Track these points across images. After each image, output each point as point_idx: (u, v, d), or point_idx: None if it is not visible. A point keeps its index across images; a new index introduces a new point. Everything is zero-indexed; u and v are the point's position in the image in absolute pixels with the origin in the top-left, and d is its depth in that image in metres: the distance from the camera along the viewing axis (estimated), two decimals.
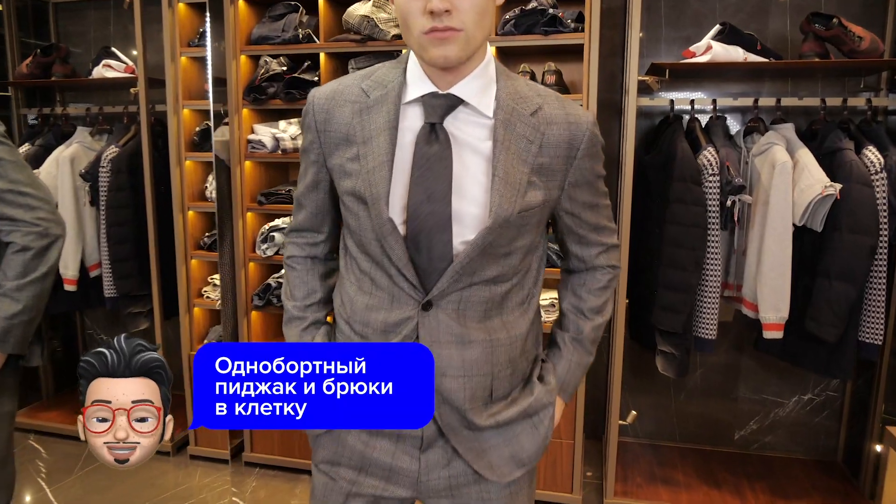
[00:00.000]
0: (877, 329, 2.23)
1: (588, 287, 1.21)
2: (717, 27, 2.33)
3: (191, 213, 2.74)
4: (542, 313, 2.31)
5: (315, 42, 2.53)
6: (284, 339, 1.20)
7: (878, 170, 2.17)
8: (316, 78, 2.56)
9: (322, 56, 2.53)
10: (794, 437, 2.85)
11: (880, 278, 2.21)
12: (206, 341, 2.82)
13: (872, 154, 2.19)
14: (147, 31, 2.70)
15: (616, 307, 2.36)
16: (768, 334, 2.29)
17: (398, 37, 2.46)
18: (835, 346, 2.26)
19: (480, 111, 1.04)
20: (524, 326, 1.13)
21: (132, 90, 2.66)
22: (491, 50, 1.12)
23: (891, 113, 2.51)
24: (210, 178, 2.77)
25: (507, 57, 2.58)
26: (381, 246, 1.04)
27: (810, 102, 2.39)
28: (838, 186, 2.14)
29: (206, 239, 2.76)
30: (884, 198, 2.17)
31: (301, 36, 2.52)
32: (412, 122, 1.04)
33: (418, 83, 1.04)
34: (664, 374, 2.42)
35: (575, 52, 2.45)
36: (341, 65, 2.64)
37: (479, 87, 1.04)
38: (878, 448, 2.36)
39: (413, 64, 1.06)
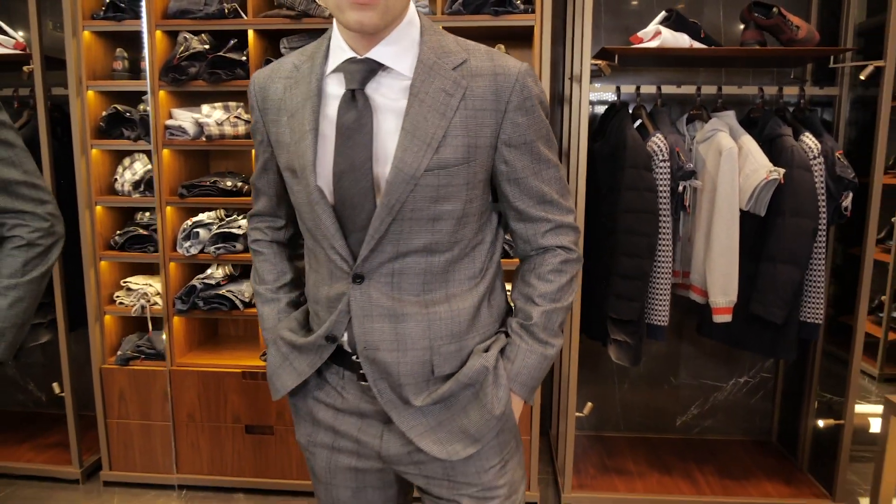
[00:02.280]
0: (817, 309, 2.31)
1: (537, 272, 1.10)
2: (663, 13, 2.32)
3: (99, 208, 2.42)
4: None
5: (242, 17, 2.30)
6: (260, 324, 1.19)
7: (816, 155, 2.23)
8: (244, 57, 2.33)
9: (251, 33, 2.30)
10: (732, 420, 2.92)
11: (819, 260, 2.28)
12: (119, 353, 2.51)
13: (810, 140, 2.25)
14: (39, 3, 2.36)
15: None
16: (718, 318, 2.31)
17: None
18: (779, 327, 2.31)
19: (400, 73, 1.00)
20: (473, 301, 1.06)
21: (25, 69, 2.31)
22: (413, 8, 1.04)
23: (815, 103, 2.62)
24: (120, 168, 2.47)
25: None
26: (314, 217, 1.02)
27: (748, 91, 2.45)
28: (782, 171, 2.19)
29: (117, 238, 2.45)
30: (822, 182, 2.24)
31: (227, 10, 2.28)
32: (335, 90, 1.02)
33: (338, 51, 1.01)
34: (618, 363, 2.40)
35: (523, 38, 2.38)
36: (272, 44, 2.43)
37: (399, 49, 0.99)
38: (821, 423, 2.44)
39: (335, 33, 1.03)
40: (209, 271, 2.48)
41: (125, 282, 2.51)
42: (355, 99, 0.98)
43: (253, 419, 2.47)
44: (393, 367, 1.02)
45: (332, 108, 1.01)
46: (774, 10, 2.26)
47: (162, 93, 2.34)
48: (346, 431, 1.11)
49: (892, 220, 3.21)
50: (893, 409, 1.25)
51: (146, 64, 2.26)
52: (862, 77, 2.22)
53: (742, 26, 2.37)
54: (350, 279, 1.02)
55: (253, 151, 2.39)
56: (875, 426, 2.76)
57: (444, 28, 2.25)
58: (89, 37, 2.33)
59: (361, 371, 1.05)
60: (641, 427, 2.96)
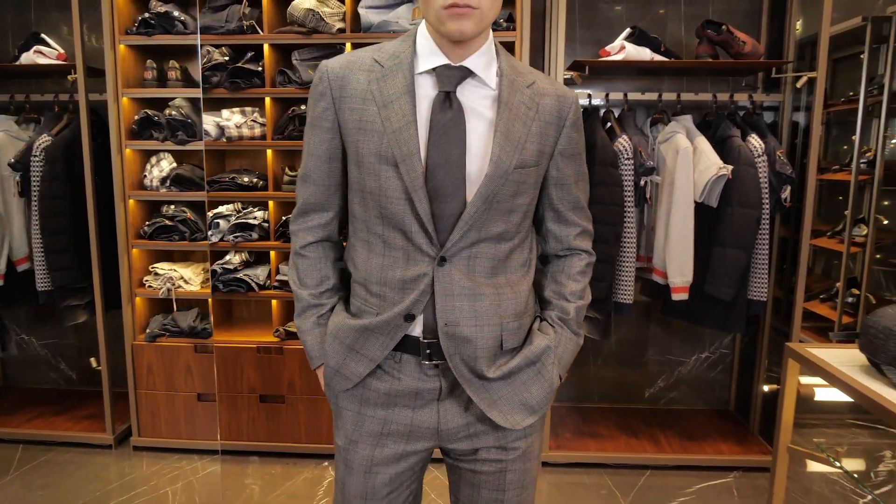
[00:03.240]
0: (762, 288, 2.64)
1: (567, 273, 1.26)
2: (627, 30, 2.65)
3: (131, 201, 2.72)
4: None
5: (259, 33, 2.61)
6: (297, 330, 1.24)
7: (760, 153, 2.57)
8: (260, 68, 2.64)
9: (266, 47, 2.62)
10: (695, 391, 3.26)
11: (764, 245, 2.62)
12: (147, 331, 2.81)
13: (755, 140, 2.59)
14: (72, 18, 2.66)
15: None
16: (676, 296, 2.64)
17: (342, 30, 2.60)
18: (730, 305, 2.65)
19: (486, 82, 1.14)
20: (526, 286, 1.22)
21: (70, 77, 2.61)
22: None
23: (765, 109, 2.96)
24: (148, 166, 2.78)
25: None
26: (409, 202, 1.09)
27: (704, 98, 2.78)
28: (730, 167, 2.52)
29: (146, 228, 2.76)
30: (765, 177, 2.58)
31: (245, 27, 2.60)
32: (426, 90, 1.12)
33: (429, 56, 1.12)
34: (590, 337, 2.72)
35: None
36: (284, 56, 2.74)
37: (485, 61, 1.14)
38: (766, 388, 2.78)
39: (423, 38, 1.13)
40: (227, 257, 2.79)
41: (153, 267, 2.82)
42: (449, 100, 1.10)
43: (266, 389, 2.78)
44: (472, 340, 1.13)
45: (422, 106, 1.11)
46: (724, 27, 2.60)
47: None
48: (399, 413, 1.19)
49: (845, 213, 3.56)
50: (791, 353, 1.59)
51: (174, 73, 2.57)
52: (798, 86, 2.57)
53: (697, 41, 2.71)
54: (434, 261, 1.11)
55: (269, 151, 2.71)
56: (819, 395, 3.10)
57: None
58: (124, 49, 2.64)
59: (428, 351, 1.15)
60: (613, 399, 3.29)
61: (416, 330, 1.15)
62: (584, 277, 1.27)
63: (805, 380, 2.98)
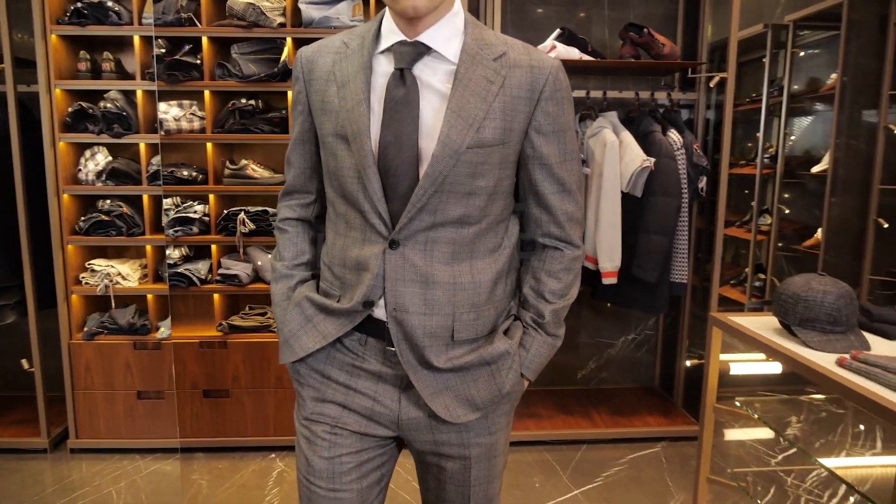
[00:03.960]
0: (683, 270, 2.87)
1: (548, 270, 1.19)
2: (557, 31, 2.82)
3: (65, 196, 2.65)
4: None
5: (197, 26, 2.61)
6: (272, 302, 1.25)
7: (679, 147, 2.79)
8: (199, 60, 2.63)
9: (205, 40, 2.61)
10: (623, 371, 3.48)
11: (683, 230, 2.85)
12: (85, 329, 2.74)
13: (674, 135, 2.81)
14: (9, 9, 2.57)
15: None
16: (606, 280, 2.83)
17: (283, 25, 2.63)
18: (654, 288, 2.86)
19: (446, 57, 1.09)
20: (491, 274, 1.14)
21: None
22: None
23: (682, 106, 3.20)
24: (83, 160, 2.71)
25: None
26: (360, 181, 1.07)
27: (627, 95, 2.98)
28: (652, 160, 2.73)
29: (81, 223, 2.69)
30: (684, 168, 2.81)
31: (183, 19, 2.58)
32: (385, 68, 1.10)
33: (390, 34, 1.10)
34: None
35: None
36: (223, 49, 2.74)
37: (446, 35, 1.09)
38: (688, 363, 3.01)
39: (387, 18, 1.12)
40: (167, 252, 2.76)
41: (89, 264, 2.75)
42: (404, 77, 1.06)
43: (210, 384, 2.77)
44: (419, 329, 1.09)
45: (379, 84, 1.08)
46: (645, 30, 2.81)
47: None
48: (362, 390, 1.15)
49: (752, 204, 3.89)
50: (714, 322, 1.77)
51: (108, 65, 2.53)
52: (711, 85, 2.80)
53: (621, 43, 2.91)
54: (386, 244, 1.07)
55: (209, 145, 2.70)
56: (734, 370, 3.39)
57: None
58: (55, 40, 2.57)
59: (391, 337, 1.11)
60: (550, 381, 3.46)
61: (380, 313, 1.11)
62: (567, 274, 1.19)
63: (722, 356, 3.25)
